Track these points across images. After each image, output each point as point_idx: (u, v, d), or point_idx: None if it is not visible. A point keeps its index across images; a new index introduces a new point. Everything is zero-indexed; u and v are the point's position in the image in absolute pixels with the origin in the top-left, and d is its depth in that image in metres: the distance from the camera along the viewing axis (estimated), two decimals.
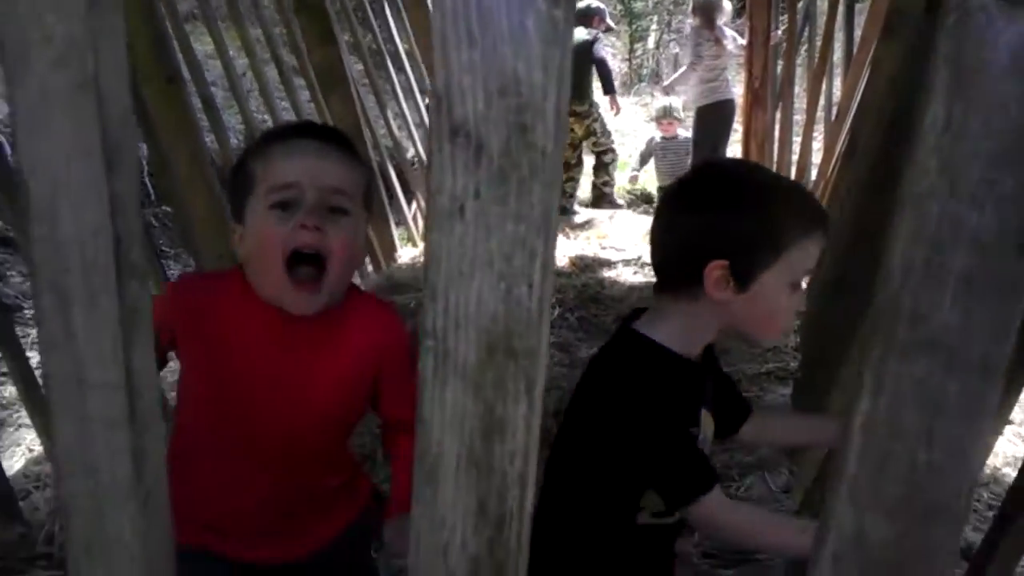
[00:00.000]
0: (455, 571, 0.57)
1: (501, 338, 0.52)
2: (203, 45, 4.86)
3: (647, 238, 1.31)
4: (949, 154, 0.44)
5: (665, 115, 7.23)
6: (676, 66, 9.30)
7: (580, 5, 6.45)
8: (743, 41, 6.78)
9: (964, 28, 0.43)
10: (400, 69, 5.87)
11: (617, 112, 7.13)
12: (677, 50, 13.08)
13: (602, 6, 6.93)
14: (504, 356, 0.52)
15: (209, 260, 3.74)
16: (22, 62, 0.51)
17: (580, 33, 6.19)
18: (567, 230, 6.15)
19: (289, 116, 5.04)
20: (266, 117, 4.81)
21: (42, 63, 0.50)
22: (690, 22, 7.39)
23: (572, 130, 6.43)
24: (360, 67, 5.69)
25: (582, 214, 6.72)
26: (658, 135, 7.36)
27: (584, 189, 7.23)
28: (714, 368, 1.34)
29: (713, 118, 6.62)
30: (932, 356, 0.48)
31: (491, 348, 0.52)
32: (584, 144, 6.90)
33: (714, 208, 1.18)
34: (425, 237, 0.50)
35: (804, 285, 1.18)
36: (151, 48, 3.33)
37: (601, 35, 6.81)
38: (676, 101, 7.48)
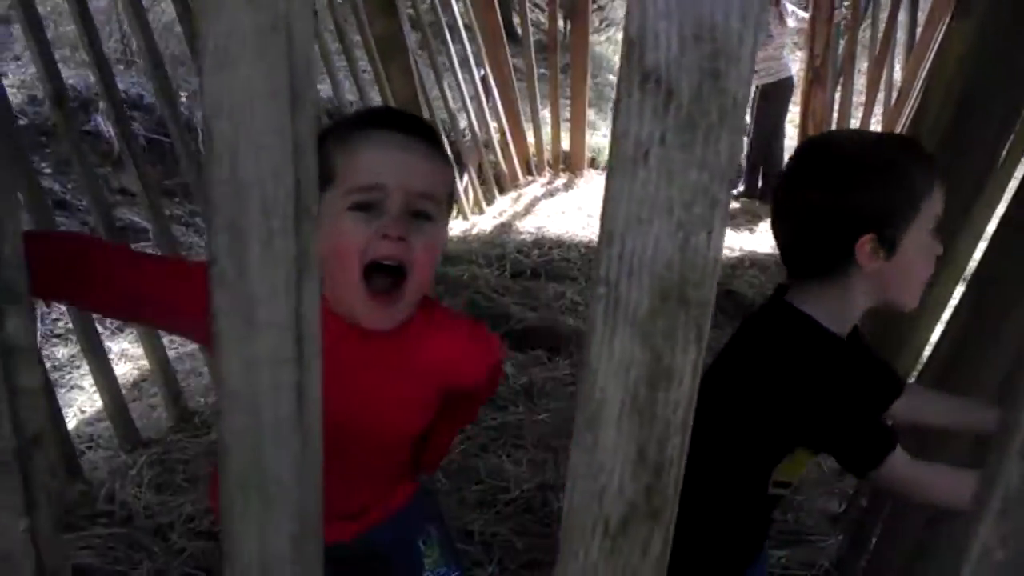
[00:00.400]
0: (609, 515, 0.58)
1: (675, 286, 0.52)
2: None
3: None
4: None
5: None
6: None
7: None
8: (804, 15, 6.68)
9: None
10: (457, 41, 5.88)
11: None
12: None
13: None
14: (677, 304, 0.53)
15: None
16: (212, 3, 0.52)
17: None
18: None
19: (349, 84, 5.07)
20: (326, 86, 4.85)
21: (234, 1, 0.51)
22: None
23: None
24: (417, 36, 5.71)
25: None
26: None
27: None
28: (860, 347, 1.36)
29: (777, 96, 6.54)
30: None
31: (664, 296, 0.52)
32: None
33: (844, 186, 1.21)
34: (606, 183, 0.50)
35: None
36: None
37: None
38: None
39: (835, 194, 1.20)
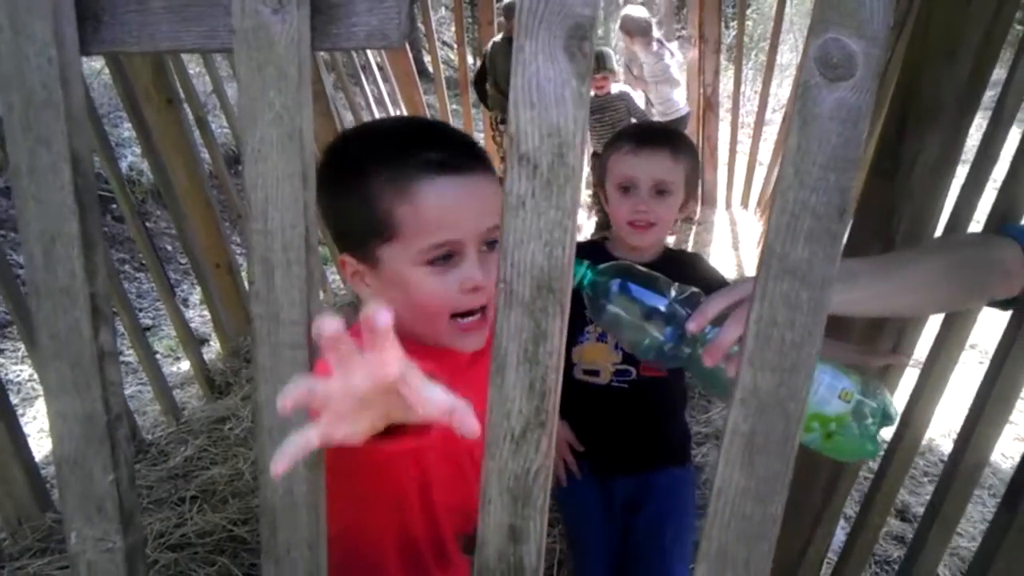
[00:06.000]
0: (514, 428, 0.90)
1: (545, 281, 0.84)
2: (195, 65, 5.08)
3: None
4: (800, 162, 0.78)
5: (597, 69, 5.79)
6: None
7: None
8: (677, 54, 6.96)
9: (807, 92, 0.77)
10: (371, 82, 6.18)
11: None
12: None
13: None
14: (547, 292, 0.84)
15: (206, 263, 4.03)
16: (251, 120, 0.83)
17: None
18: None
19: None
20: None
21: (265, 121, 0.83)
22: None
23: None
24: (332, 78, 5.98)
25: None
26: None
27: None
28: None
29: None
30: None
31: (539, 287, 0.84)
32: None
33: None
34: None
35: None
36: (152, 73, 3.62)
37: None
38: (608, 49, 6.33)
39: None
